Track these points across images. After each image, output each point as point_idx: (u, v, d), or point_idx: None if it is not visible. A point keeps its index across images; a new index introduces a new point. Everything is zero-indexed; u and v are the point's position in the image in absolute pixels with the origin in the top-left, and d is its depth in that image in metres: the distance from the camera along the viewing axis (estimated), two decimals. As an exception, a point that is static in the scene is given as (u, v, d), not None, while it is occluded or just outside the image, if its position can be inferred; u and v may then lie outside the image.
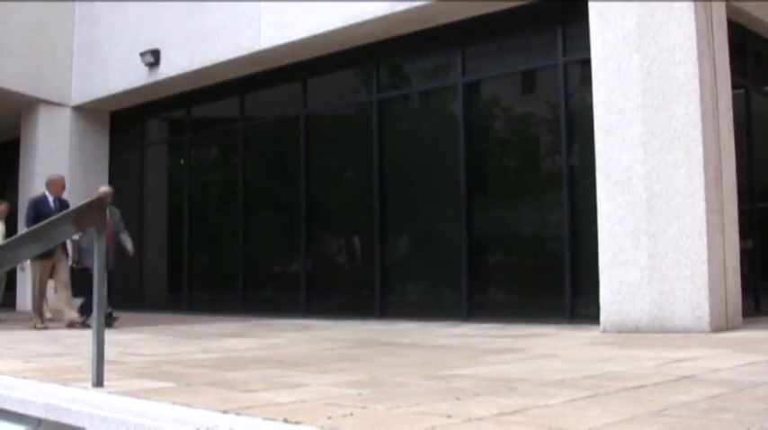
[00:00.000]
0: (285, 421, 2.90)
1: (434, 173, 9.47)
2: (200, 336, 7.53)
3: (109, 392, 3.75)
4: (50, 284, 9.10)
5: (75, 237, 8.52)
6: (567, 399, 3.32)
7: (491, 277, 9.15)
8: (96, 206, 4.22)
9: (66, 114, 13.11)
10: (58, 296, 8.90)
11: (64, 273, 8.79)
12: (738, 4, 7.77)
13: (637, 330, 6.76)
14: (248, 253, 11.38)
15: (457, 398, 3.41)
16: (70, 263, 8.89)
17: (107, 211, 8.72)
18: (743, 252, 7.42)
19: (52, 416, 3.40)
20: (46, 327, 8.68)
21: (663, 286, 6.72)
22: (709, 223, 6.64)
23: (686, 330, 6.54)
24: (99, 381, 3.95)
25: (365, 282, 9.89)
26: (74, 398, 3.57)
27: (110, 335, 7.77)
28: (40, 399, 3.57)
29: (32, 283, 8.93)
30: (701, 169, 6.66)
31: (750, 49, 8.62)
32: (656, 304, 6.75)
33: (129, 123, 13.38)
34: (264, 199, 11.62)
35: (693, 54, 6.76)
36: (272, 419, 2.94)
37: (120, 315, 8.81)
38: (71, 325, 8.50)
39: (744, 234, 7.46)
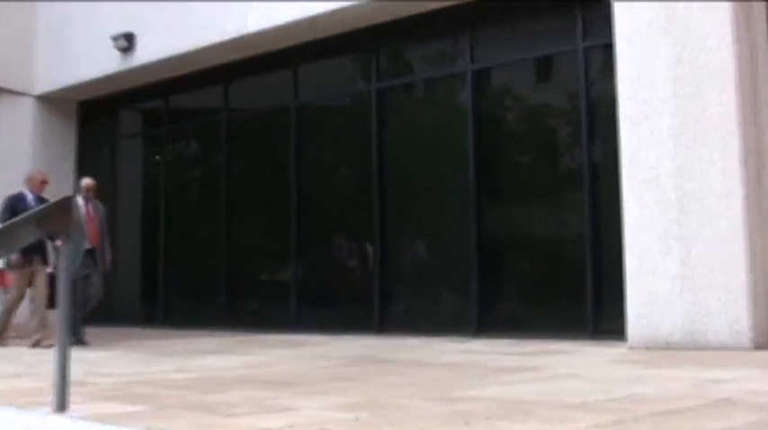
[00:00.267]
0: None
1: (440, 170, 9.44)
2: (177, 353, 7.49)
3: (72, 417, 3.70)
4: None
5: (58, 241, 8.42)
6: (589, 425, 3.28)
7: (503, 286, 9.11)
8: (62, 207, 4.16)
9: (30, 104, 13.06)
10: (33, 310, 8.77)
11: (42, 283, 8.66)
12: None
13: (667, 346, 6.72)
14: (232, 259, 11.34)
15: (465, 423, 3.37)
16: (50, 269, 8.65)
17: (92, 207, 8.83)
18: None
19: (7, 445, 3.35)
20: (5, 345, 8.60)
21: (696, 296, 6.67)
22: (748, 225, 6.59)
23: (723, 347, 6.49)
24: (61, 405, 3.90)
25: (363, 292, 9.85)
26: (32, 425, 3.52)
27: (76, 352, 7.76)
28: (-7, 426, 3.52)
29: (8, 295, 8.87)
30: (738, 165, 6.61)
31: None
32: (688, 317, 6.70)
33: (99, 114, 13.35)
34: (251, 199, 11.59)
35: (729, 39, 6.72)
36: (256, 448, 2.89)
37: (88, 329, 8.76)
38: (36, 344, 8.39)
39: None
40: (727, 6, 6.76)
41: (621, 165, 7.14)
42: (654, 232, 6.91)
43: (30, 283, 8.77)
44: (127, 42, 11.64)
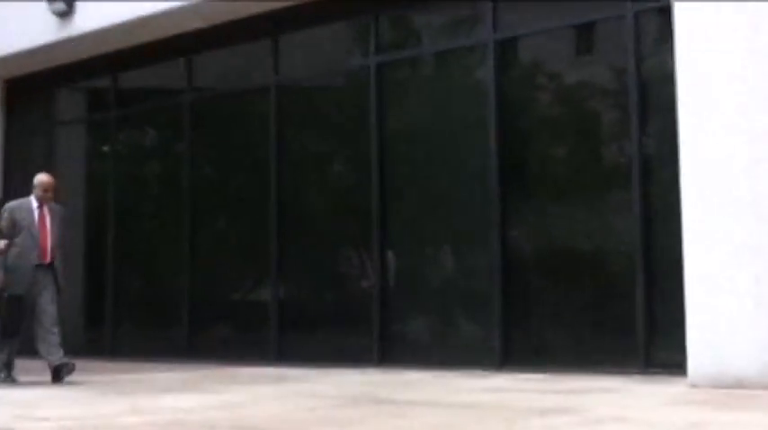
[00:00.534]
0: None
1: (455, 164, 9.43)
2: (130, 391, 7.46)
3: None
4: None
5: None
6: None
7: (533, 309, 9.08)
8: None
9: (-56, 83, 13.08)
10: None
11: None
12: None
13: (739, 385, 6.68)
14: (197, 275, 11.32)
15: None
16: None
17: (48, 210, 8.67)
18: None
19: None
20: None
21: (774, 322, 6.67)
22: (838, 234, 6.58)
23: (808, 384, 6.48)
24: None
25: (360, 315, 9.84)
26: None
27: (6, 391, 7.75)
28: None
29: None
30: (827, 160, 6.62)
31: None
32: (765, 347, 6.68)
33: (32, 95, 13.34)
34: (220, 200, 11.57)
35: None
36: None
37: (22, 362, 8.73)
38: None
39: None
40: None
41: (681, 160, 7.12)
42: (721, 242, 6.88)
43: None
44: (66, 5, 11.62)
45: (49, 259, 8.54)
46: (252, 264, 11.15)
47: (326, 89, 11.02)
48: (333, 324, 10.36)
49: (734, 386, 6.68)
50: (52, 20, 11.81)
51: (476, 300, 9.10)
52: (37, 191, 8.71)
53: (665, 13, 7.56)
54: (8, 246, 8.37)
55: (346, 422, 5.34)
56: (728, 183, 6.91)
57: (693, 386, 6.85)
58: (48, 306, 8.44)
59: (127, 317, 12.14)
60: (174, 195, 11.75)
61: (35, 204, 8.61)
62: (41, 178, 8.85)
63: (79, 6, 11.60)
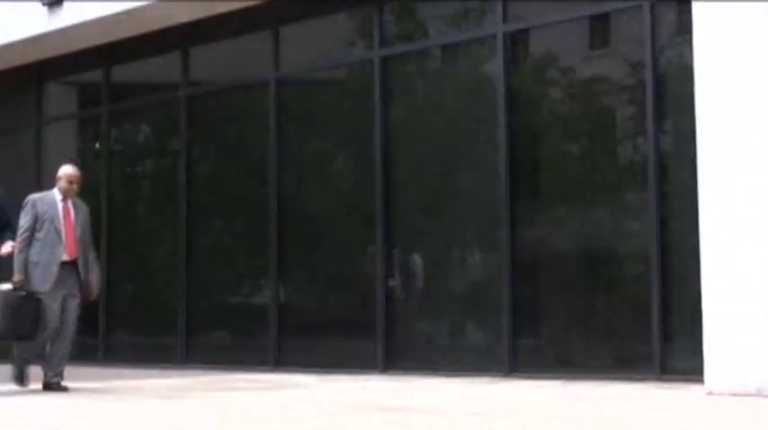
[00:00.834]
0: None
1: (463, 163, 9.45)
2: (121, 397, 7.44)
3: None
4: None
5: (7, 248, 8.16)
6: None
7: (544, 313, 9.11)
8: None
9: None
10: None
11: None
12: None
13: (759, 393, 6.69)
14: (194, 277, 11.33)
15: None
16: (9, 286, 8.10)
17: (71, 205, 8.48)
18: None
19: None
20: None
21: (796, 327, 6.69)
22: None
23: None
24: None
25: (363, 319, 9.85)
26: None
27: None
28: None
29: None
30: None
31: None
32: (786, 353, 6.70)
33: (19, 89, 13.33)
34: (218, 201, 11.57)
35: None
36: None
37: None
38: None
39: None
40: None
41: (699, 158, 7.13)
42: (742, 243, 6.89)
43: None
44: (56, -5, 11.66)
45: (75, 255, 8.24)
46: (250, 267, 11.15)
47: (328, 84, 11.02)
48: (335, 328, 10.38)
49: (754, 394, 6.69)
50: (41, 10, 11.81)
51: (484, 304, 9.11)
52: (62, 182, 8.38)
53: (684, 4, 7.55)
54: (27, 243, 8.08)
55: None
56: (749, 183, 6.91)
57: (710, 394, 6.85)
58: (74, 312, 8.23)
59: (119, 322, 12.14)
60: (170, 195, 11.75)
61: (59, 197, 8.32)
62: (67, 169, 8.49)
63: (70, -3, 11.63)
